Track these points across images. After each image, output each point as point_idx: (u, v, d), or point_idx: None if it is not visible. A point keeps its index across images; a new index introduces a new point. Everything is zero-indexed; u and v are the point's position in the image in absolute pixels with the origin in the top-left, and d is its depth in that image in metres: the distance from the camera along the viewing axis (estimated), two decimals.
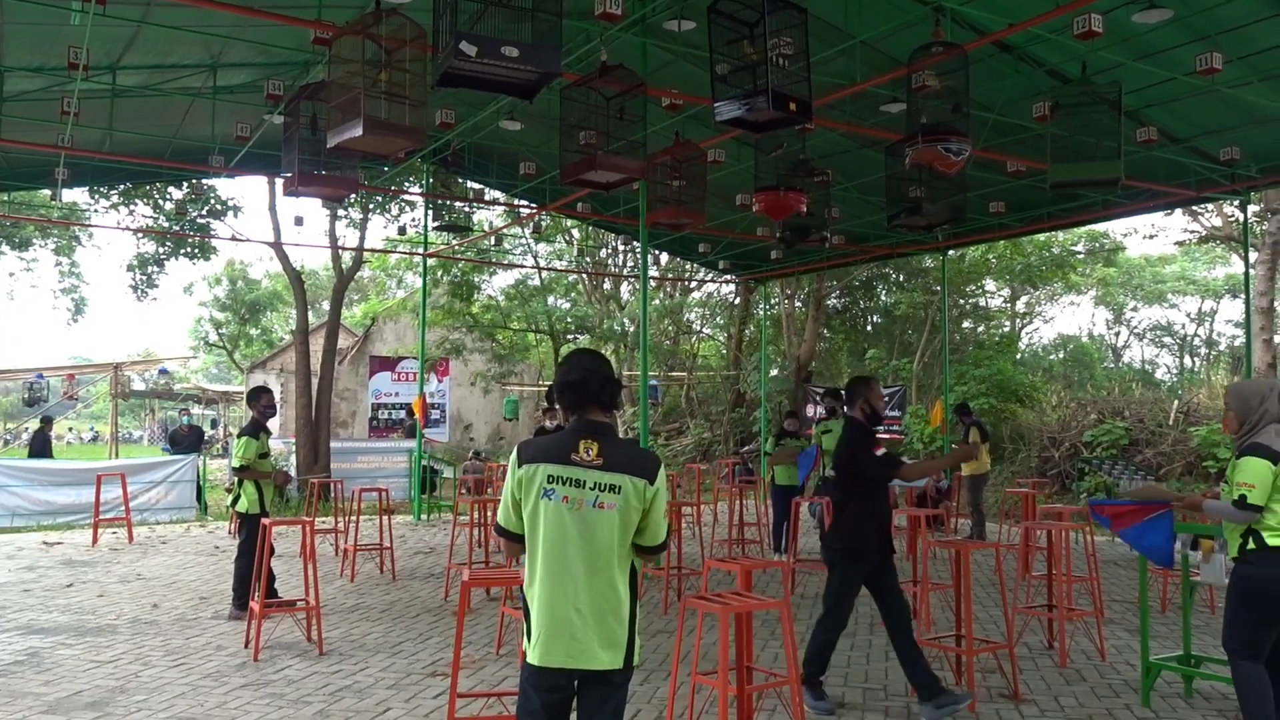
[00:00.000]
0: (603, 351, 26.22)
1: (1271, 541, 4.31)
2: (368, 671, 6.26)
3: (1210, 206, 17.84)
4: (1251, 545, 4.37)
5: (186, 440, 16.79)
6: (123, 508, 12.78)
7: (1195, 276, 30.22)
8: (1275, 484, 4.31)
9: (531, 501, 3.03)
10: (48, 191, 14.92)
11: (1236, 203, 13.57)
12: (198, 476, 15.19)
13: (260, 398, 8.01)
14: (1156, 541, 5.25)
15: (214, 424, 37.73)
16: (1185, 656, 5.73)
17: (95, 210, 17.38)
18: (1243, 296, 13.49)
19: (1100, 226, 23.35)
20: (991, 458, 13.55)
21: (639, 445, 3.15)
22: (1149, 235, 42.24)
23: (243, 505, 7.71)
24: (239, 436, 7.92)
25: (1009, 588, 8.32)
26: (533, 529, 3.05)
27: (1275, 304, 17.75)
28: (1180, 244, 25.34)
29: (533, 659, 3.00)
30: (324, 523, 11.86)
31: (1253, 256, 15.84)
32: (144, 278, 17.85)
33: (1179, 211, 18.28)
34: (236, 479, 7.85)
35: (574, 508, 2.99)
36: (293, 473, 15.97)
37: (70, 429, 48.01)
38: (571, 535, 2.98)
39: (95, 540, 12.13)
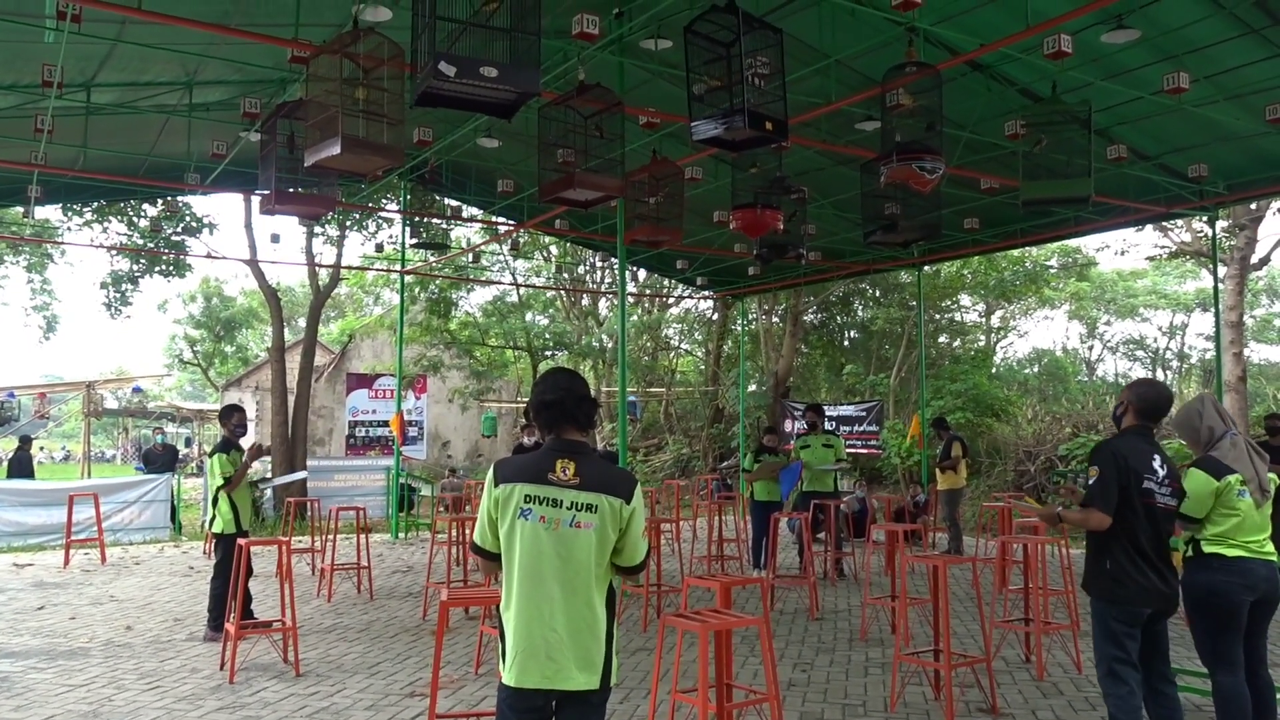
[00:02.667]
0: (581, 368, 26.28)
1: (1207, 549, 4.45)
2: (345, 693, 6.21)
3: (1180, 222, 18.09)
4: (1190, 553, 4.53)
5: (160, 459, 16.59)
6: (95, 528, 12.62)
7: (1166, 291, 30.59)
8: (1218, 498, 4.43)
9: (508, 521, 3.03)
10: (20, 208, 14.79)
11: (1205, 219, 13.78)
12: (172, 496, 15.03)
13: (232, 416, 7.98)
14: None
15: (188, 442, 37.33)
16: None
17: (68, 228, 17.23)
18: (1213, 310, 13.68)
19: (1073, 242, 23.60)
20: (968, 472, 13.63)
21: (616, 464, 3.17)
22: (1121, 250, 42.84)
23: (218, 525, 7.66)
24: (211, 455, 7.90)
25: (986, 602, 8.36)
26: (509, 548, 3.04)
27: (1244, 318, 18.02)
28: (1151, 259, 25.63)
29: (508, 680, 3.00)
30: (301, 542, 11.77)
31: (1221, 271, 16.07)
32: (118, 295, 17.69)
33: (1149, 227, 18.51)
34: (213, 498, 7.78)
35: (551, 527, 3.00)
36: (269, 475, 15.89)
37: (41, 448, 47.34)
38: (548, 555, 2.99)
39: (67, 561, 11.96)
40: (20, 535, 13.57)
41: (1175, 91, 7.84)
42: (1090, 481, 4.31)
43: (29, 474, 15.97)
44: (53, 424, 36.33)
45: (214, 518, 7.73)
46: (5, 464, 20.17)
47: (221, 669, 6.69)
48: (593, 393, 3.24)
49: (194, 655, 7.23)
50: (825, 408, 20.80)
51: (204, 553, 12.68)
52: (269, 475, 16.65)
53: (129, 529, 14.23)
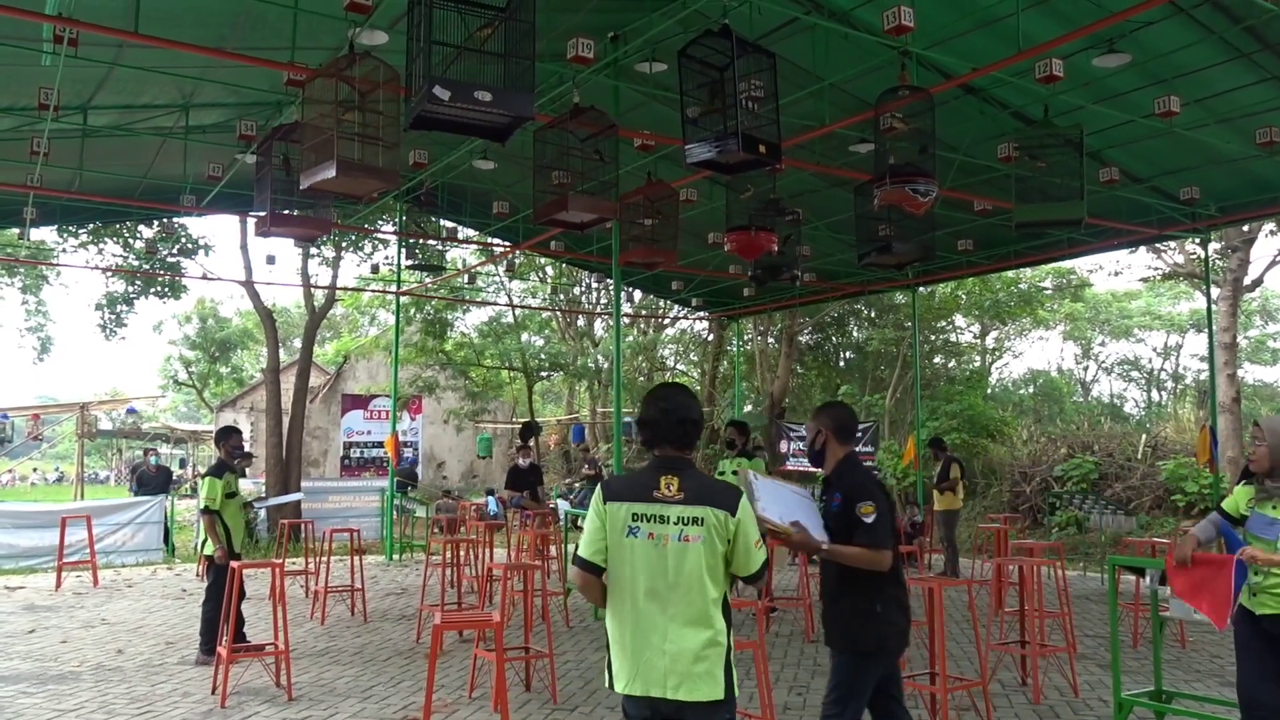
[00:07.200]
0: (576, 389, 26.06)
1: None
2: (338, 717, 6.16)
3: (1173, 244, 18.18)
4: None
5: (154, 480, 16.52)
6: (88, 550, 12.54)
7: (1160, 312, 30.70)
8: None
9: (615, 538, 3.12)
10: (15, 230, 14.79)
11: (1198, 240, 13.85)
12: (165, 518, 14.95)
13: (229, 438, 7.93)
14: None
15: (182, 464, 37.19)
16: (1156, 692, 5.75)
17: (64, 249, 17.24)
18: (1206, 332, 13.73)
19: (1067, 263, 23.72)
20: (965, 493, 13.62)
21: (716, 479, 3.25)
22: (1115, 272, 43.02)
23: (210, 548, 7.61)
24: (203, 477, 7.85)
25: (982, 624, 8.33)
26: (618, 565, 3.12)
27: (1238, 339, 18.07)
28: (1145, 280, 25.72)
29: (620, 688, 3.08)
30: (295, 564, 11.70)
31: (1215, 293, 16.13)
32: (113, 316, 17.69)
33: (1143, 249, 18.60)
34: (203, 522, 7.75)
35: (660, 544, 3.07)
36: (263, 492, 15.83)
37: (35, 469, 47.18)
38: (659, 570, 3.06)
39: (59, 584, 11.88)
40: (12, 558, 13.48)
41: (1166, 115, 7.91)
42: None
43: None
44: (46, 445, 36.14)
45: (206, 540, 7.69)
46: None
47: (213, 693, 6.63)
48: (700, 411, 3.27)
49: (185, 679, 7.17)
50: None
51: (197, 575, 12.60)
52: (264, 495, 16.59)
53: (122, 551, 14.16)
